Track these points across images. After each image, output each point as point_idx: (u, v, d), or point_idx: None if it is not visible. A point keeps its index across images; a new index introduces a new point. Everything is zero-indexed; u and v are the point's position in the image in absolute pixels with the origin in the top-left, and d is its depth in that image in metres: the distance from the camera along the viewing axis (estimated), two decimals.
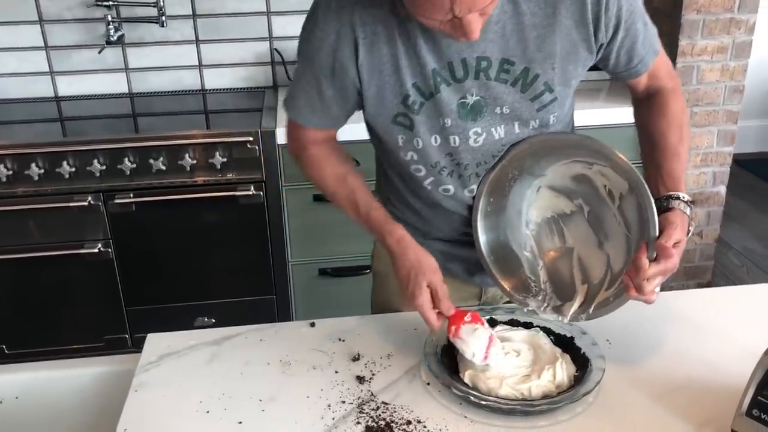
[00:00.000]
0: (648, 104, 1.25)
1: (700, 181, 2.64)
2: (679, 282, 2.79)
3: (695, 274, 2.82)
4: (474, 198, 1.23)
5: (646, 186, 1.08)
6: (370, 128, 1.22)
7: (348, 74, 1.12)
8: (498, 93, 1.12)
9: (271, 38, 2.66)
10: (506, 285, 1.25)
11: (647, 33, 1.17)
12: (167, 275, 2.42)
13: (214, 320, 2.48)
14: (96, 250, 2.30)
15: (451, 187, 1.21)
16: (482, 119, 1.14)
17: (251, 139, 2.23)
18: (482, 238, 1.25)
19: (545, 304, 1.21)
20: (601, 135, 1.20)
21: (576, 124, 1.32)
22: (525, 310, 1.22)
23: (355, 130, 1.28)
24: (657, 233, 1.06)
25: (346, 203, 1.23)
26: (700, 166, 2.62)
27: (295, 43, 1.18)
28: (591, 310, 1.17)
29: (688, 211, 1.10)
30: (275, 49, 2.66)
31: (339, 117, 1.22)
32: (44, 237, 2.29)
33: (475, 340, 1.11)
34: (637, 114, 1.28)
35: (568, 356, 1.15)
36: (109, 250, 2.33)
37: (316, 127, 1.24)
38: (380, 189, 1.37)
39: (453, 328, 1.13)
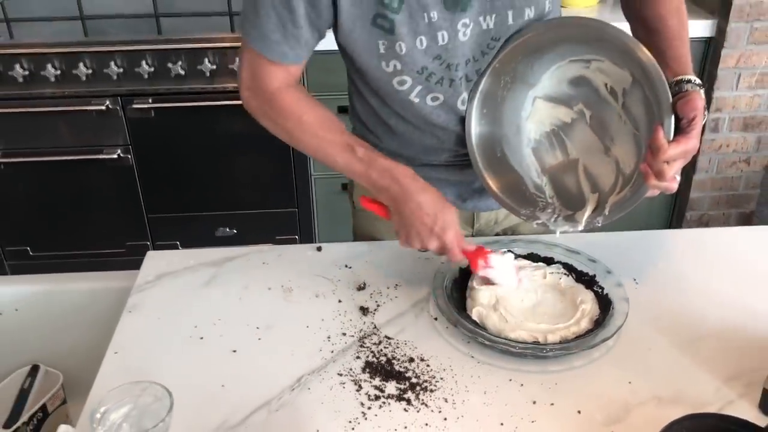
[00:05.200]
0: None
1: (753, 104, 2.45)
2: (720, 210, 2.66)
3: (738, 203, 2.67)
4: (466, 111, 1.11)
5: (655, 63, 0.98)
6: (345, 45, 1.07)
7: None
8: None
9: None
10: (511, 202, 1.14)
11: None
12: (188, 184, 2.37)
13: (235, 231, 2.45)
14: (115, 156, 2.26)
15: (441, 95, 1.09)
16: (471, 8, 1.01)
17: None
18: (478, 153, 1.13)
19: (556, 215, 1.11)
20: None
21: None
22: (534, 224, 1.12)
23: None
24: (672, 114, 0.97)
25: (340, 151, 1.09)
26: (754, 87, 2.43)
27: None
28: (607, 212, 1.06)
29: (702, 92, 1.01)
30: None
31: (309, 43, 1.05)
32: (64, 141, 2.25)
33: (505, 266, 1.08)
34: (626, 4, 1.16)
35: (591, 296, 1.07)
36: (129, 156, 2.28)
37: (286, 63, 1.06)
38: (356, 116, 1.24)
39: (481, 261, 1.06)
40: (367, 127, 1.20)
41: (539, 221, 1.11)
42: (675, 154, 0.95)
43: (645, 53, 0.98)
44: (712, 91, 2.39)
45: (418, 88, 1.07)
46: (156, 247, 2.44)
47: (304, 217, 2.46)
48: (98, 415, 0.83)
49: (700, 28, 2.31)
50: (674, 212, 2.67)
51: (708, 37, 2.34)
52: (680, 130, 0.97)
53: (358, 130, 1.22)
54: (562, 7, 1.32)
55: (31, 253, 2.46)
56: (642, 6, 1.12)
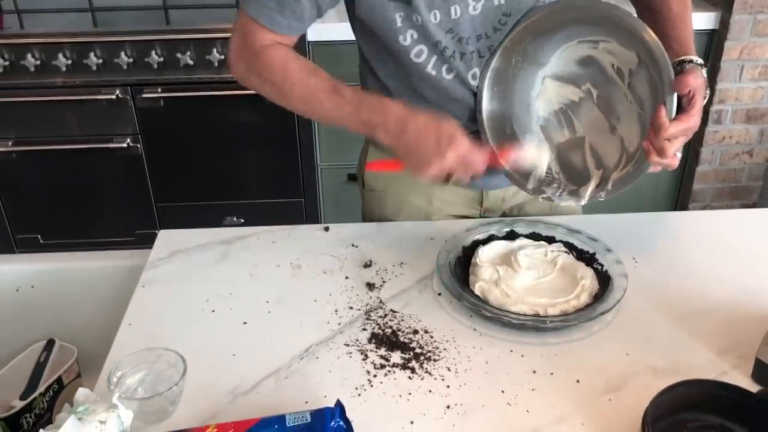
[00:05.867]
0: None
1: (756, 96, 2.48)
2: (723, 202, 2.68)
3: (741, 195, 2.70)
4: (477, 87, 1.14)
5: (659, 43, 1.00)
6: (360, 20, 1.10)
7: None
8: None
9: None
10: (518, 177, 1.17)
11: None
12: (196, 173, 2.41)
13: (243, 220, 2.49)
14: (125, 145, 2.30)
15: (454, 67, 1.12)
16: None
17: None
18: (488, 126, 1.16)
19: (561, 190, 1.14)
20: None
21: None
22: (540, 198, 1.15)
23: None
24: (674, 93, 1.00)
25: (327, 95, 1.06)
26: (758, 79, 2.45)
27: None
28: (610, 186, 1.09)
29: (703, 72, 1.03)
30: None
31: (304, 17, 1.07)
32: (74, 129, 2.29)
33: (533, 150, 1.13)
34: None
35: (591, 273, 1.10)
36: (138, 145, 2.32)
37: (278, 31, 1.08)
38: None
39: (509, 153, 1.11)
40: None
41: (545, 195, 1.14)
42: (676, 131, 0.99)
43: (650, 34, 1.01)
44: (716, 83, 2.41)
45: (433, 59, 1.11)
46: None
47: (310, 207, 2.50)
48: (115, 379, 0.86)
49: (704, 20, 2.34)
50: (677, 203, 2.69)
51: (711, 29, 2.36)
52: (681, 109, 1.00)
53: None
54: None
55: (41, 241, 2.50)
56: None
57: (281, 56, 1.09)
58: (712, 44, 2.39)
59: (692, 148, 2.58)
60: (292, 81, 1.08)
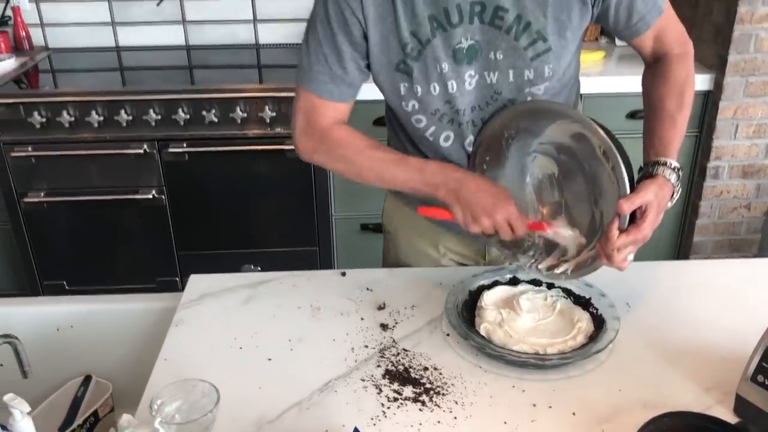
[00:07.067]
0: (652, 69, 1.26)
1: (751, 152, 2.59)
2: (723, 254, 2.76)
3: (740, 247, 2.78)
4: (470, 155, 1.26)
5: (618, 155, 1.08)
6: (377, 85, 1.24)
7: (357, 24, 1.15)
8: (492, 38, 1.15)
9: None
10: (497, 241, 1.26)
11: None
12: (217, 223, 2.53)
13: (260, 268, 2.58)
14: (150, 196, 2.42)
15: (451, 134, 1.24)
16: (477, 62, 1.17)
17: None
18: None
19: (533, 261, 1.24)
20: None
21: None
22: (515, 265, 1.26)
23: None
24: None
25: (395, 165, 1.21)
26: (752, 137, 2.57)
27: None
28: (569, 271, 1.19)
29: (673, 177, 1.11)
30: None
31: (354, 83, 1.22)
32: (102, 181, 2.42)
33: (564, 228, 1.21)
34: (643, 80, 1.29)
35: (587, 316, 1.19)
36: (163, 196, 2.44)
37: (336, 101, 1.23)
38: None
39: (545, 225, 1.21)
40: None
41: (518, 263, 1.25)
42: (623, 243, 1.07)
43: (617, 157, 1.08)
44: (712, 140, 2.53)
45: (432, 127, 1.24)
46: (185, 284, 2.57)
47: (324, 255, 2.60)
48: (155, 406, 0.96)
49: (699, 81, 2.45)
50: (678, 256, 2.78)
51: (707, 90, 2.49)
52: (634, 219, 1.07)
53: None
54: None
55: (66, 287, 2.60)
56: (649, 85, 1.26)
57: (347, 136, 1.25)
58: (708, 104, 2.51)
59: (691, 202, 2.68)
60: (362, 155, 1.23)
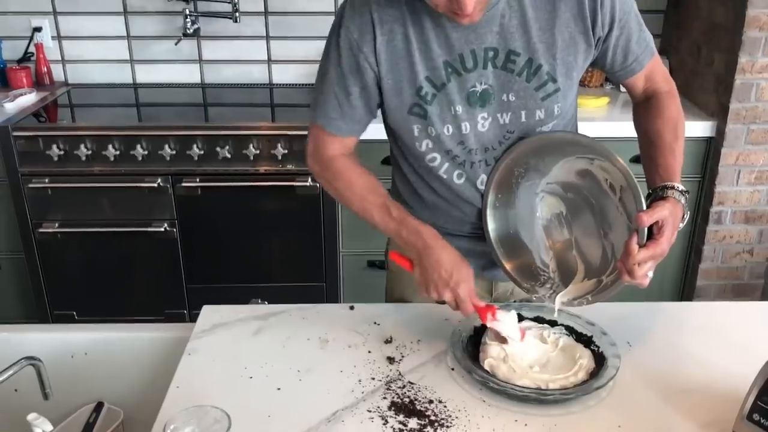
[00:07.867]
0: (645, 106, 1.34)
1: (753, 199, 2.63)
2: (727, 299, 2.78)
3: (744, 292, 2.80)
4: (483, 194, 1.31)
5: (632, 174, 1.15)
6: (388, 125, 1.32)
7: (370, 69, 1.22)
8: (504, 81, 1.21)
9: None
10: (515, 274, 1.33)
11: (642, 33, 1.27)
12: (226, 257, 2.57)
13: (266, 302, 2.61)
14: (162, 229, 2.47)
15: (463, 173, 1.30)
16: (490, 106, 1.23)
17: None
18: (491, 227, 1.33)
19: (552, 291, 1.29)
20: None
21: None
22: (533, 297, 1.31)
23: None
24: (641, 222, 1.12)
25: (378, 210, 1.29)
26: (754, 183, 2.61)
27: None
28: (590, 296, 1.24)
29: (682, 199, 1.17)
30: None
31: (362, 120, 1.30)
32: (116, 214, 2.47)
33: (510, 321, 1.24)
34: (635, 116, 1.37)
35: (588, 353, 1.22)
36: (174, 230, 2.49)
37: (342, 135, 1.31)
38: (396, 191, 1.45)
39: (489, 314, 1.23)
40: (404, 200, 1.41)
41: (538, 295, 1.30)
42: (642, 258, 1.12)
43: (632, 177, 1.16)
44: (714, 185, 2.57)
45: (446, 165, 1.29)
46: (192, 316, 2.62)
47: (330, 291, 2.63)
48: (169, 430, 0.99)
49: (701, 128, 2.52)
50: (682, 299, 2.80)
51: (709, 137, 2.54)
52: (652, 235, 1.14)
53: (399, 202, 1.40)
54: None
55: (76, 318, 2.64)
56: (645, 120, 1.33)
57: (346, 169, 1.34)
58: (710, 150, 2.56)
59: (695, 246, 2.71)
60: (353, 192, 1.33)
